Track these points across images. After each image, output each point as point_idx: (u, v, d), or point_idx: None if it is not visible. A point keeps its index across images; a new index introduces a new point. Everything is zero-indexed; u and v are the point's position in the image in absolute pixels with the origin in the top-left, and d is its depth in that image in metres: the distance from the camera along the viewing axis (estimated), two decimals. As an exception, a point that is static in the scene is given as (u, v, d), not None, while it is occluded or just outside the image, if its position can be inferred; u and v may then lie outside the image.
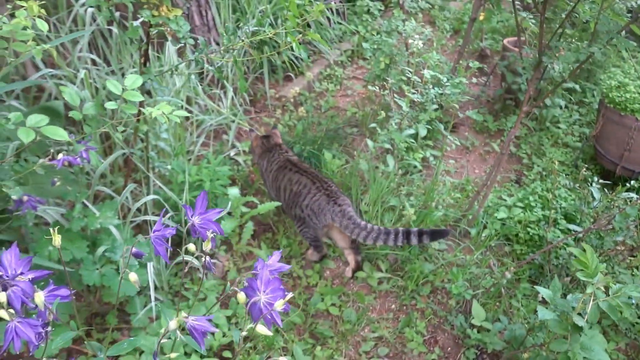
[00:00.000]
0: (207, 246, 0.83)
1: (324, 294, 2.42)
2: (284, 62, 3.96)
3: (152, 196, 2.14)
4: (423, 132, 3.08)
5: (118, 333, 2.19)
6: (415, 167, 3.12)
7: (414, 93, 2.55)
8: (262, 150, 2.76)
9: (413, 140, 3.12)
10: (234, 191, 2.29)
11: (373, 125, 2.81)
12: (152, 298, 1.98)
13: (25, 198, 1.67)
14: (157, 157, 2.13)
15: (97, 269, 1.89)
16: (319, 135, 3.36)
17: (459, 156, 3.53)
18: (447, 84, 2.49)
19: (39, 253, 1.81)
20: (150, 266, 1.98)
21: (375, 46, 3.12)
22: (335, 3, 4.66)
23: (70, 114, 1.38)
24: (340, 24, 4.37)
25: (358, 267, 2.51)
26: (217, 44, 3.51)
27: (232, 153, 3.23)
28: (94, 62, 2.73)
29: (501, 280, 2.25)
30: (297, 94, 3.71)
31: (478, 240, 2.70)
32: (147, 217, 2.22)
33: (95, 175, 2.08)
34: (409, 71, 2.61)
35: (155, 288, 2.24)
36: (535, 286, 1.82)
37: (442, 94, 2.54)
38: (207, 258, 0.85)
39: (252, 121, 3.63)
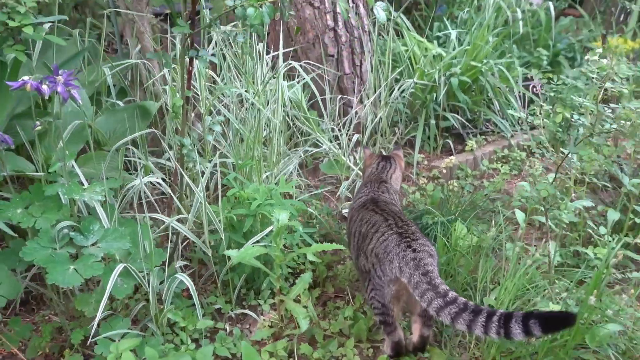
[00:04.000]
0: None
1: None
2: (446, 129, 3.29)
3: (146, 178, 1.69)
4: (614, 216, 2.03)
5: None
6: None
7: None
8: (367, 176, 2.05)
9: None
10: (282, 215, 1.66)
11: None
12: (97, 321, 1.43)
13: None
14: (191, 147, 1.68)
15: (54, 249, 1.45)
16: (458, 207, 2.51)
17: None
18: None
19: (1, 211, 1.47)
20: (117, 268, 1.45)
21: (552, 93, 2.24)
22: (537, 89, 3.86)
23: None
24: (532, 101, 3.52)
25: (423, 345, 1.62)
26: (366, 96, 3.08)
27: (343, 211, 2.60)
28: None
29: None
30: (452, 164, 2.96)
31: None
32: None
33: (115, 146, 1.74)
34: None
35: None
36: None
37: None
38: None
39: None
